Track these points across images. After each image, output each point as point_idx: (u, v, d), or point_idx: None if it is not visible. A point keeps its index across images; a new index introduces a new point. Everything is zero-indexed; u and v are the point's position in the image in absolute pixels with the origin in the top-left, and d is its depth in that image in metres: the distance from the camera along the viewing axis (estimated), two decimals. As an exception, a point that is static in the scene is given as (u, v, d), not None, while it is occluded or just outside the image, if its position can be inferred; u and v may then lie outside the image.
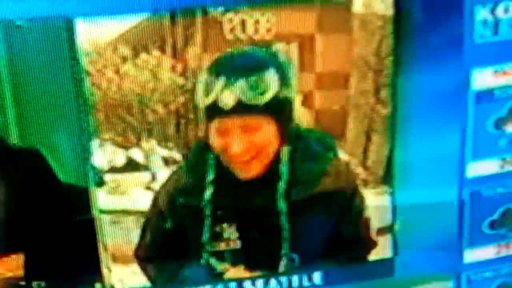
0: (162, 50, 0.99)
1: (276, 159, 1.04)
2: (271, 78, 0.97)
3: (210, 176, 1.04)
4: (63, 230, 1.10)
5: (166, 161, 1.06)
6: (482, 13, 1.06)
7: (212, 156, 1.03)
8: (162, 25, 0.99)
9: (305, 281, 1.20)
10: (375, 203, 1.16)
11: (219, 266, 1.09)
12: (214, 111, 0.98)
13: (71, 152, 1.06)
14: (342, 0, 1.02)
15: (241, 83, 0.94)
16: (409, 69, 1.08)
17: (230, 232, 1.06)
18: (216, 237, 1.07)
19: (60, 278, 1.14)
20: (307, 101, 1.06)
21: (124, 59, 1.00)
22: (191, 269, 1.10)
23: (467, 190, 1.18)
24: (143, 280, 1.14)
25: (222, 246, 1.07)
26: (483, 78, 1.11)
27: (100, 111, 1.03)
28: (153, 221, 1.07)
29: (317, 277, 1.20)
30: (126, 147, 1.05)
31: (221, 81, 0.94)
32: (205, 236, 1.06)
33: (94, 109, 1.02)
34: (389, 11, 1.04)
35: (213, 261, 1.09)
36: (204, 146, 1.03)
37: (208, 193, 1.04)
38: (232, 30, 0.99)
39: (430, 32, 1.06)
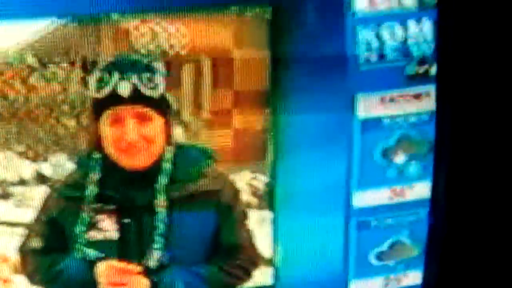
0: (70, 61, 1.00)
1: (160, 157, 1.08)
2: (159, 78, 1.03)
3: (95, 172, 1.07)
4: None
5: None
6: (366, 35, 1.02)
7: (98, 155, 1.06)
8: (69, 34, 0.98)
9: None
10: (258, 224, 1.12)
11: (93, 255, 1.09)
12: (109, 102, 1.02)
13: None
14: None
15: (136, 76, 1.01)
16: (290, 91, 1.03)
17: (108, 223, 1.08)
18: (93, 227, 1.08)
19: None
20: (220, 118, 1.06)
21: (32, 70, 1.00)
22: (66, 261, 1.10)
23: (354, 219, 1.14)
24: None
25: (98, 236, 1.09)
26: (369, 106, 1.07)
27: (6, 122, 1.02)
28: (39, 215, 1.09)
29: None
30: (34, 160, 1.05)
31: (117, 74, 1.00)
32: (83, 226, 1.08)
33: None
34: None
35: (88, 250, 1.09)
36: (91, 147, 1.07)
37: (91, 186, 1.07)
38: (141, 38, 1.00)
39: (310, 55, 1.02)
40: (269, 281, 1.17)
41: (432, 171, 1.14)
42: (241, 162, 1.08)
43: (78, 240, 1.09)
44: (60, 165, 1.06)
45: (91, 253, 1.09)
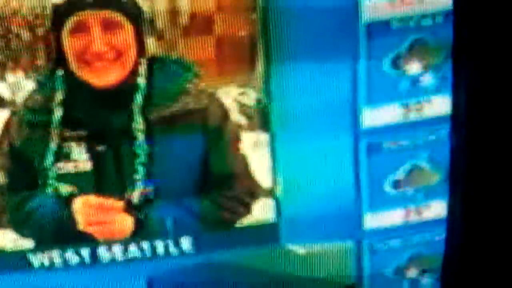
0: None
1: (133, 73, 0.95)
2: None
3: (60, 92, 0.95)
4: None
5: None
6: None
7: (61, 72, 0.94)
8: None
9: (171, 247, 1.02)
10: (253, 148, 0.99)
11: (66, 190, 0.98)
12: (71, 6, 0.90)
13: None
14: None
15: None
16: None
17: (80, 152, 0.96)
18: (63, 158, 0.96)
19: None
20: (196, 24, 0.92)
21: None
22: (37, 198, 0.99)
23: (364, 142, 1.00)
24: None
25: (69, 168, 0.97)
26: (376, 6, 0.92)
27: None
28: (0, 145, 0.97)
29: (186, 243, 1.02)
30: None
31: None
32: (52, 156, 0.97)
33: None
34: None
35: (60, 185, 0.98)
36: (53, 62, 0.93)
37: (56, 109, 0.95)
38: None
39: None
40: (270, 217, 1.03)
41: (451, 82, 0.99)
42: (227, 75, 0.94)
43: (48, 174, 0.97)
44: (19, 85, 0.93)
45: (64, 188, 0.97)
